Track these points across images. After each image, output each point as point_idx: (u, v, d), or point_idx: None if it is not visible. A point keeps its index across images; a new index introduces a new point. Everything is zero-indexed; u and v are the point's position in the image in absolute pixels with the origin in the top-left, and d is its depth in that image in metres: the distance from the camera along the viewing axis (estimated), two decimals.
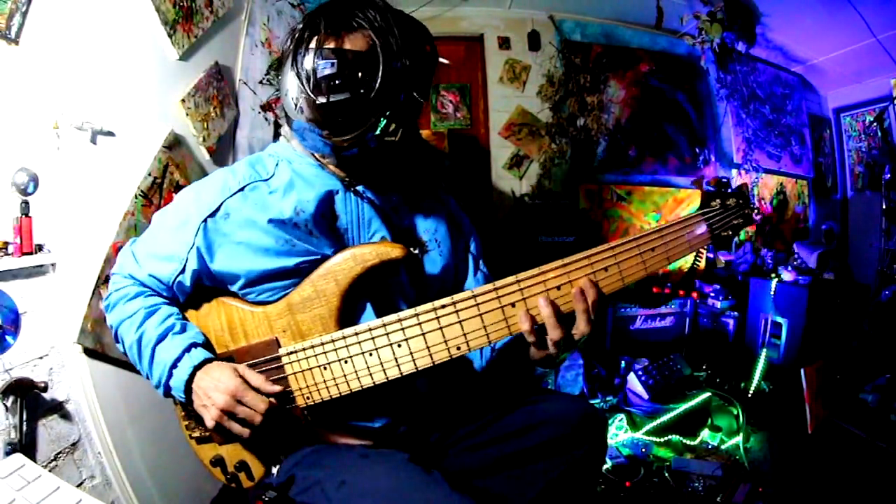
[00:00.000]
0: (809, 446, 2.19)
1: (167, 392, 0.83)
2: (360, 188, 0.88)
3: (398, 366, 0.77)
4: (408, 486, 0.74)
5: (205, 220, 0.83)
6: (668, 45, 3.28)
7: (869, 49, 2.93)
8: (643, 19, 3.09)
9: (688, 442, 2.19)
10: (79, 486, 1.18)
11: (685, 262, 3.28)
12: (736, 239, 3.40)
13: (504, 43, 3.04)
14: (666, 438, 2.19)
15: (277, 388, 0.80)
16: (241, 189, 0.85)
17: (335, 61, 0.76)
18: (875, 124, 3.24)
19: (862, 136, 3.58)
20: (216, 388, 0.78)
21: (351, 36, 0.78)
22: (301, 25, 0.81)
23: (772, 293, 2.81)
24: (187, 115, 1.59)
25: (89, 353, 1.23)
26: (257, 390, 0.79)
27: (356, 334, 0.78)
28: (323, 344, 0.80)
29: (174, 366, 0.81)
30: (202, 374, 0.80)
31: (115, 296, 0.90)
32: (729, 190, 0.83)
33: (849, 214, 3.74)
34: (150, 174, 1.42)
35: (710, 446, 2.20)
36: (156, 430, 1.42)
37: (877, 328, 2.75)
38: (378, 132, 0.79)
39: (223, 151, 1.83)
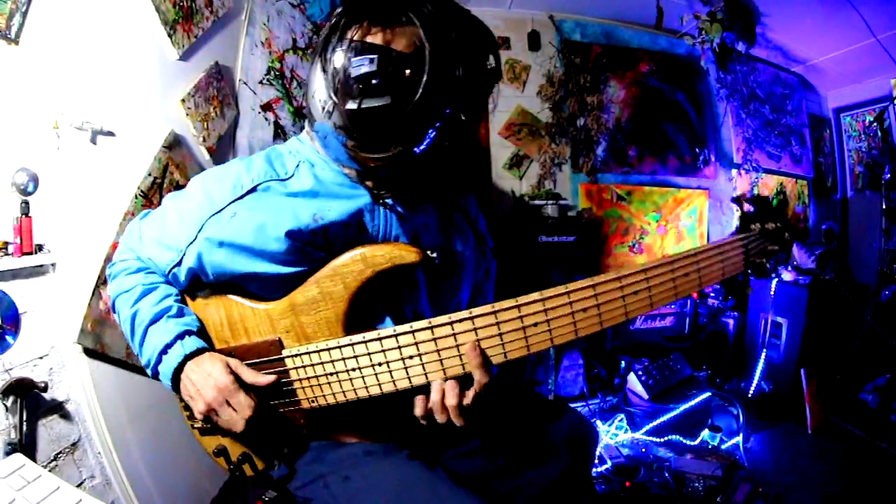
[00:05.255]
0: (809, 446, 2.19)
1: (155, 376, 0.81)
2: (389, 201, 0.79)
3: (409, 378, 0.73)
4: (413, 481, 0.74)
5: (210, 217, 0.77)
6: (668, 45, 3.28)
7: (869, 49, 2.93)
8: (643, 19, 3.09)
9: (688, 442, 2.19)
10: (79, 486, 1.18)
11: None
12: (771, 264, 3.38)
13: (504, 43, 3.04)
14: (666, 438, 2.19)
15: (270, 378, 0.77)
16: (254, 189, 0.77)
17: (373, 60, 0.65)
18: (875, 124, 3.24)
19: (862, 136, 3.57)
20: (205, 384, 0.75)
21: (397, 31, 0.66)
22: (339, 10, 0.69)
23: (772, 293, 2.81)
24: (187, 115, 1.58)
25: (89, 353, 1.23)
26: (249, 387, 0.76)
27: (365, 342, 0.74)
28: (329, 349, 0.76)
29: (164, 351, 0.78)
30: (193, 364, 0.77)
31: (118, 266, 0.88)
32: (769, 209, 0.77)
33: (849, 214, 3.74)
34: (150, 174, 1.42)
35: (710, 446, 2.20)
36: (156, 430, 1.42)
37: (876, 328, 2.75)
38: (416, 153, 0.69)
39: (223, 151, 1.82)
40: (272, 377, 0.78)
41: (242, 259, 0.76)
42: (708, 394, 2.32)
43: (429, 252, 0.73)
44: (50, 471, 0.96)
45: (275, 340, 0.79)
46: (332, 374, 0.76)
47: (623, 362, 2.59)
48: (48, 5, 1.10)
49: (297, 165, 0.79)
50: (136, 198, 1.37)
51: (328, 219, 0.75)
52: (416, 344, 0.72)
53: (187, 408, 0.89)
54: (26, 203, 1.06)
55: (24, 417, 1.01)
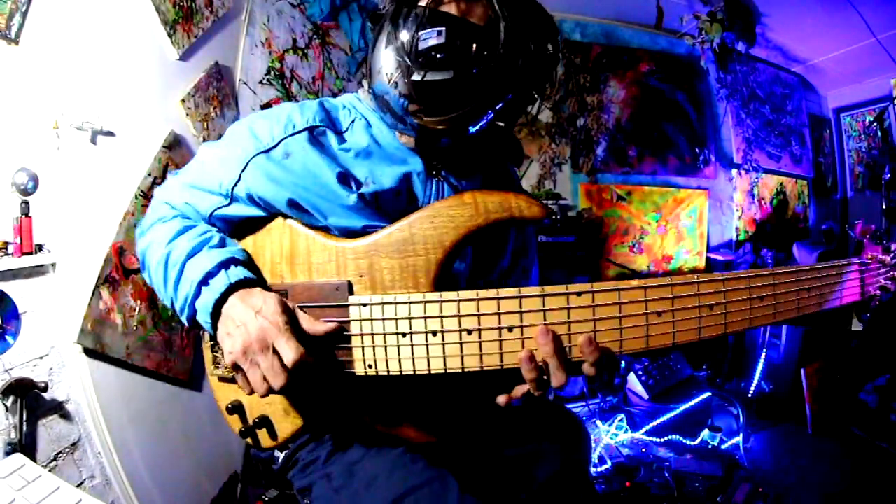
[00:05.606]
0: (809, 446, 2.19)
1: (192, 318, 0.68)
2: (443, 172, 0.77)
3: (500, 354, 0.60)
4: (422, 491, 0.72)
5: (256, 155, 0.71)
6: (668, 45, 3.28)
7: (869, 49, 2.93)
8: (643, 19, 3.09)
9: (688, 442, 2.19)
10: (79, 486, 1.18)
11: (685, 263, 3.28)
12: (734, 239, 3.40)
13: None
14: (666, 438, 2.19)
15: (330, 325, 0.64)
16: (308, 129, 0.72)
17: (446, 30, 0.64)
18: (875, 124, 3.24)
19: (862, 136, 3.58)
20: (251, 319, 0.61)
21: (470, 4, 0.66)
22: None
23: None
24: (187, 115, 1.58)
25: (89, 353, 1.23)
26: (303, 335, 0.63)
27: (458, 301, 0.60)
28: (411, 303, 0.61)
29: (204, 281, 0.66)
30: (237, 298, 0.64)
31: (151, 217, 0.78)
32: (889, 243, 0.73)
33: (849, 214, 3.74)
34: (150, 174, 1.42)
35: (710, 446, 2.20)
36: (156, 430, 1.42)
37: (877, 328, 2.75)
38: (477, 128, 0.69)
39: None
40: (333, 324, 0.64)
41: (299, 194, 0.71)
42: (708, 394, 2.32)
43: (550, 209, 0.65)
44: (50, 471, 0.96)
45: (342, 283, 0.66)
46: (405, 334, 0.62)
47: (623, 362, 2.59)
48: (48, 5, 1.10)
49: (353, 121, 0.77)
50: (136, 198, 1.37)
51: (381, 185, 0.72)
52: (520, 313, 0.59)
53: (213, 349, 0.80)
54: (26, 203, 1.06)
55: (24, 417, 1.02)
